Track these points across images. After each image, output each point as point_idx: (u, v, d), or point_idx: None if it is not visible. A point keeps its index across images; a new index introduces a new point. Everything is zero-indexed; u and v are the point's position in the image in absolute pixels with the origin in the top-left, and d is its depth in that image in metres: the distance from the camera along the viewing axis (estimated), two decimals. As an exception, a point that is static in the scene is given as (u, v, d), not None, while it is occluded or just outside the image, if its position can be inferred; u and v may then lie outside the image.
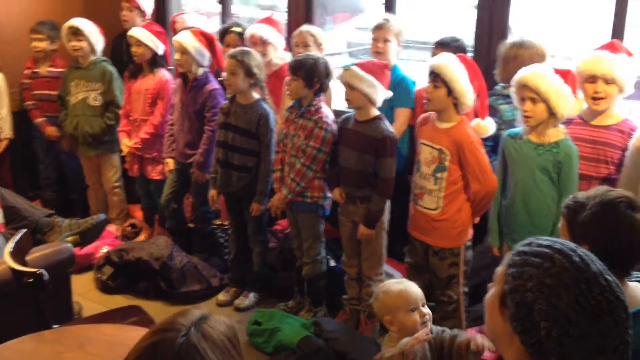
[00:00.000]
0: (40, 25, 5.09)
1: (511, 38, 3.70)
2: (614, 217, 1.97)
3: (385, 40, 4.00)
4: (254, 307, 4.19)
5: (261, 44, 4.42)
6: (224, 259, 4.63)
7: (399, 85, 3.99)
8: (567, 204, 2.10)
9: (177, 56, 4.38)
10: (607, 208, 1.99)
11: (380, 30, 4.01)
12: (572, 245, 1.40)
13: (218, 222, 4.92)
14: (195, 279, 4.36)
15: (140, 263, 4.33)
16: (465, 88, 3.22)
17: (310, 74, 3.64)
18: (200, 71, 4.40)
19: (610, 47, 3.21)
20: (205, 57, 4.38)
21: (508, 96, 3.62)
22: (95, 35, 4.93)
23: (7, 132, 5.18)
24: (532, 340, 1.35)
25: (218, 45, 4.49)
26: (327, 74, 3.70)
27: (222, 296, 4.31)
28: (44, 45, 5.12)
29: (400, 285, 2.77)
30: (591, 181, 3.22)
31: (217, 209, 4.73)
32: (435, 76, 3.25)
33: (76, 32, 4.87)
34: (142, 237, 5.06)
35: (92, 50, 4.96)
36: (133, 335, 2.44)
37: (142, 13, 5.17)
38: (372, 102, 3.51)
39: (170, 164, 4.62)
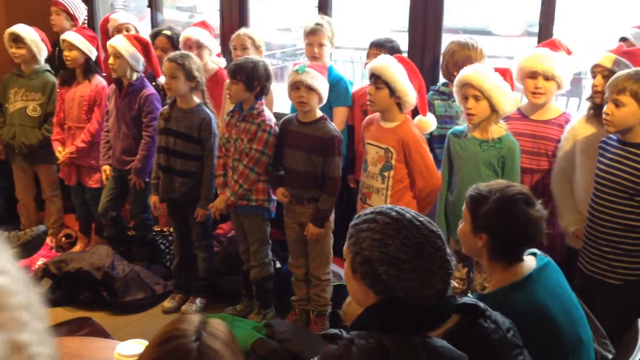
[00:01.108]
0: None
1: (457, 40, 3.83)
2: (512, 212, 2.16)
3: (321, 45, 4.05)
4: (202, 313, 4.16)
5: (196, 47, 4.40)
6: (167, 265, 4.59)
7: (336, 85, 4.06)
8: (470, 194, 2.29)
9: (110, 61, 4.29)
10: (506, 204, 2.17)
11: (315, 35, 4.05)
12: (388, 206, 1.76)
13: (158, 228, 4.85)
14: (139, 288, 4.29)
15: (81, 274, 4.21)
16: (407, 87, 3.31)
17: (251, 77, 3.64)
18: (135, 76, 4.34)
19: (551, 45, 3.37)
20: (140, 61, 4.32)
21: (443, 93, 3.77)
22: (36, 43, 4.76)
23: None
24: (380, 287, 1.65)
25: (153, 49, 4.43)
26: (268, 77, 3.71)
27: (167, 303, 4.26)
28: None
29: None
30: (533, 174, 3.37)
31: (159, 215, 4.66)
32: (376, 78, 3.33)
33: (16, 39, 4.71)
34: (77, 247, 4.94)
35: (34, 58, 4.80)
36: (96, 346, 2.42)
37: (71, 17, 5.02)
38: (322, 101, 3.57)
39: (108, 170, 4.53)
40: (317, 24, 4.05)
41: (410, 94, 3.31)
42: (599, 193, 2.95)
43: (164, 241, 4.71)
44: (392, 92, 3.30)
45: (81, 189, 4.83)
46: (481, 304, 1.84)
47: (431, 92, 3.84)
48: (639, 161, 2.82)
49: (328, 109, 4.05)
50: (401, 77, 3.29)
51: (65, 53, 4.56)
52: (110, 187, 4.55)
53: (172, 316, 4.16)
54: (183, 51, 4.05)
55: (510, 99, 3.23)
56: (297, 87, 3.52)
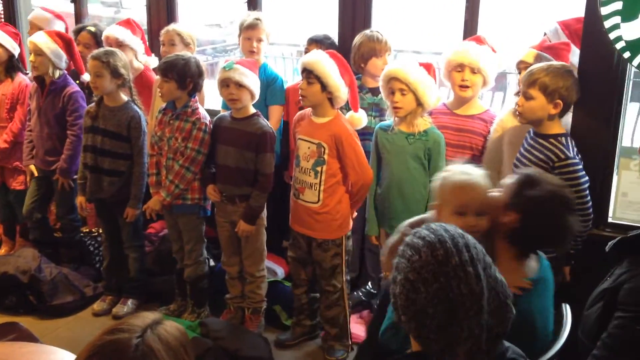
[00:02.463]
0: None
1: (364, 32, 3.88)
2: (557, 209, 2.12)
3: (259, 40, 4.04)
4: (135, 314, 4.07)
5: (117, 46, 4.29)
6: (96, 267, 4.49)
7: (272, 84, 4.07)
8: (528, 172, 2.25)
9: (32, 58, 4.16)
10: (555, 199, 2.13)
11: (254, 30, 4.03)
12: (445, 237, 1.49)
13: (86, 229, 4.74)
14: (68, 290, 4.18)
15: (6, 278, 4.08)
16: (338, 82, 3.35)
17: (183, 75, 3.60)
18: (58, 74, 4.22)
19: (477, 40, 3.46)
20: (62, 58, 4.21)
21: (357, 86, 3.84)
22: None
23: None
24: (404, 327, 1.50)
25: (75, 46, 4.32)
26: (200, 74, 3.67)
27: (97, 306, 4.17)
28: None
29: (466, 177, 2.34)
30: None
31: (86, 216, 4.55)
32: (308, 73, 3.35)
33: None
34: (2, 251, 4.78)
35: None
36: (26, 351, 2.35)
37: None
38: (254, 98, 3.56)
39: (34, 169, 4.39)
40: (257, 19, 4.04)
41: (341, 89, 3.34)
42: None
43: (93, 242, 4.61)
44: (324, 87, 3.32)
45: (3, 191, 4.67)
46: None
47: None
48: (542, 151, 2.93)
49: (264, 107, 4.05)
50: (333, 73, 3.32)
51: None
52: (35, 188, 4.43)
53: (103, 319, 4.08)
54: (108, 48, 3.95)
55: (434, 93, 3.32)
56: (227, 85, 3.50)
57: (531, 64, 3.30)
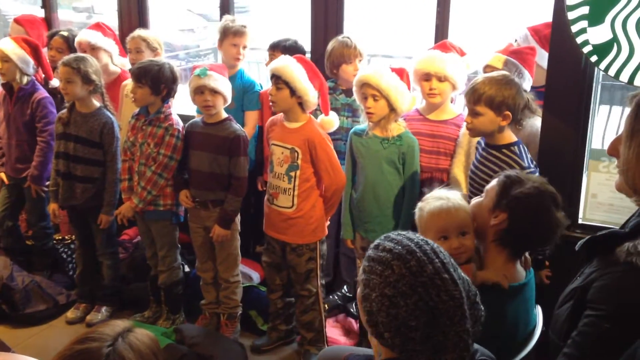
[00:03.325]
0: None
1: (336, 38, 3.90)
2: (542, 205, 2.14)
3: (244, 47, 4.04)
4: (107, 322, 4.04)
5: (90, 50, 4.28)
6: (70, 274, 4.45)
7: (249, 90, 4.08)
8: (507, 174, 2.25)
9: None
10: (541, 195, 2.15)
11: (241, 37, 4.03)
12: (413, 244, 1.48)
13: (58, 236, 4.70)
14: (40, 299, 4.14)
15: (-23, 287, 4.03)
16: (307, 86, 3.36)
17: (156, 81, 3.59)
18: (25, 80, 4.18)
19: (442, 47, 3.48)
20: (30, 64, 4.17)
21: (330, 88, 3.86)
22: None
23: None
24: (383, 343, 1.47)
25: (42, 51, 4.28)
26: (174, 79, 3.66)
27: (71, 314, 4.13)
28: None
29: (443, 203, 2.35)
30: (432, 172, 3.48)
31: (59, 223, 4.50)
32: (277, 78, 3.37)
33: None
34: (-27, 259, 4.69)
35: None
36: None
37: None
38: (226, 102, 3.56)
39: (4, 177, 4.33)
40: (243, 26, 4.03)
41: (310, 93, 3.35)
42: (470, 193, 3.07)
43: (66, 249, 4.56)
44: (293, 91, 3.33)
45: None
46: None
47: None
48: (497, 162, 2.94)
49: (240, 112, 4.05)
50: (301, 77, 3.33)
51: None
52: (5, 196, 4.38)
53: (76, 327, 4.05)
54: (79, 54, 3.92)
55: (407, 98, 3.34)
56: (202, 92, 3.49)
57: (496, 68, 3.35)
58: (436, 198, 2.37)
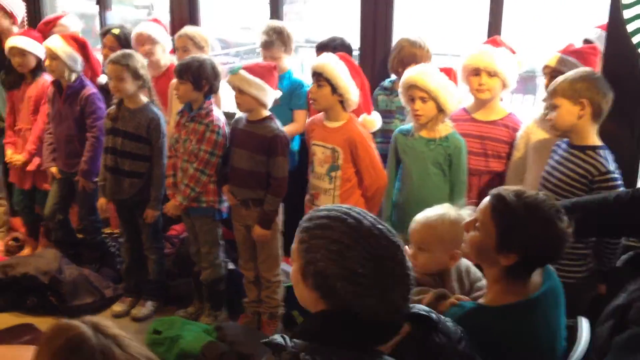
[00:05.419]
0: None
1: (407, 37, 3.82)
2: (552, 232, 1.93)
3: (275, 58, 4.01)
4: (152, 316, 4.09)
5: (150, 43, 4.33)
6: (117, 268, 4.50)
7: (295, 89, 4.04)
8: (493, 203, 1.99)
9: (47, 62, 4.18)
10: (547, 224, 1.94)
11: (268, 50, 4.02)
12: (343, 209, 1.60)
13: (108, 230, 4.77)
14: (88, 291, 4.21)
15: (27, 278, 4.12)
16: (348, 84, 3.30)
17: (198, 77, 3.59)
18: (74, 77, 4.23)
19: (493, 43, 3.38)
20: (78, 62, 4.22)
21: (387, 88, 3.78)
22: None
23: None
24: (334, 300, 1.53)
25: (90, 48, 4.33)
26: (216, 75, 3.66)
27: (117, 307, 4.18)
28: None
29: (423, 215, 2.39)
30: (481, 175, 3.38)
31: (106, 217, 4.57)
32: (318, 76, 3.32)
33: None
34: (26, 251, 4.82)
35: None
36: (29, 355, 2.35)
37: (11, 17, 4.88)
38: (261, 104, 3.51)
39: (55, 171, 4.42)
40: (267, 41, 4.01)
41: (351, 90, 3.30)
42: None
43: (114, 243, 4.63)
44: (334, 89, 3.27)
45: (28, 193, 4.71)
46: (433, 316, 1.71)
47: (378, 87, 3.88)
48: (579, 164, 2.83)
49: (288, 111, 4.02)
50: (342, 74, 3.27)
51: (17, 60, 4.42)
52: (57, 190, 4.45)
53: (122, 320, 4.10)
54: (125, 50, 3.96)
55: (456, 98, 3.24)
56: (232, 89, 3.49)
57: (554, 68, 3.22)
58: (428, 211, 2.41)
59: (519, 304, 1.94)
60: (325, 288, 1.54)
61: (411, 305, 1.67)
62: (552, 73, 3.21)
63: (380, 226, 1.56)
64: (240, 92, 3.46)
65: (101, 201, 4.10)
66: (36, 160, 4.57)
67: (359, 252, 1.51)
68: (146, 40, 4.33)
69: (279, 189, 3.54)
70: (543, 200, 1.96)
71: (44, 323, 3.76)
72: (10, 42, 4.42)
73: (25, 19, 5.05)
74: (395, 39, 3.93)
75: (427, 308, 1.77)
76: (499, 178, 3.40)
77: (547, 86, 3.23)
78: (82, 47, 4.24)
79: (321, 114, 3.44)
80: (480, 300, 2.05)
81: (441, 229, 2.31)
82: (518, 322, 1.94)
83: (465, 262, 2.41)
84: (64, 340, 1.44)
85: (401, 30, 4.03)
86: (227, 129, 3.70)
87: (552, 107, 2.88)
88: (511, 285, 1.97)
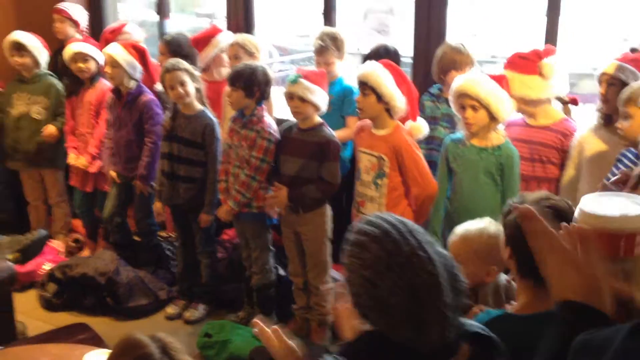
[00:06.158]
0: None
1: (449, 42, 3.79)
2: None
3: (328, 64, 4.02)
4: (204, 320, 4.14)
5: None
6: (172, 271, 4.58)
7: (346, 95, 4.04)
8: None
9: (107, 69, 4.30)
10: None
11: (321, 56, 4.04)
12: (388, 225, 1.49)
13: (164, 234, 4.86)
14: (143, 293, 4.30)
15: (85, 279, 4.24)
16: (393, 92, 3.29)
17: (250, 84, 3.63)
18: (132, 84, 4.34)
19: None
20: (137, 69, 4.32)
21: (433, 94, 3.74)
22: (38, 50, 4.81)
23: None
24: (371, 324, 1.49)
25: (150, 57, 4.43)
26: (267, 82, 3.69)
27: (170, 309, 4.26)
28: None
29: (461, 230, 2.39)
30: (529, 181, 3.31)
31: (162, 221, 4.66)
32: (364, 85, 3.32)
33: (19, 48, 4.76)
34: (85, 252, 4.96)
35: (36, 64, 4.85)
36: (80, 354, 2.42)
37: (75, 24, 5.05)
38: (318, 110, 3.54)
39: (114, 175, 4.54)
40: (322, 46, 4.03)
41: (397, 98, 3.28)
42: None
43: (170, 247, 4.71)
44: (380, 97, 3.26)
45: (88, 195, 4.85)
46: (494, 337, 1.59)
47: (425, 93, 3.87)
48: None
49: (339, 117, 4.03)
50: (387, 82, 3.26)
51: (80, 65, 4.57)
52: (115, 193, 4.56)
53: (175, 322, 4.17)
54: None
55: (508, 106, 3.18)
56: (291, 97, 3.51)
57: (611, 75, 3.14)
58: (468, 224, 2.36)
59: (542, 315, 1.85)
60: (360, 313, 1.50)
61: (467, 322, 1.58)
62: (609, 80, 3.13)
63: (421, 252, 1.45)
64: (302, 101, 3.49)
65: (157, 205, 4.19)
66: (97, 163, 4.69)
67: (391, 281, 1.44)
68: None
69: (327, 190, 3.57)
70: (544, 198, 1.91)
71: (100, 323, 3.88)
72: (73, 48, 4.57)
73: (86, 26, 5.19)
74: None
75: (484, 327, 1.65)
76: (547, 185, 3.32)
77: (603, 94, 3.15)
78: (141, 55, 4.34)
79: (369, 121, 3.43)
80: (509, 309, 2.01)
81: (477, 243, 2.26)
82: (541, 332, 1.88)
83: (504, 277, 2.37)
84: (131, 356, 1.51)
85: (455, 37, 3.98)
86: (277, 136, 3.72)
87: (624, 116, 2.80)
88: (536, 292, 1.89)
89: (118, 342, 1.58)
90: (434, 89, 3.88)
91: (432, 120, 3.75)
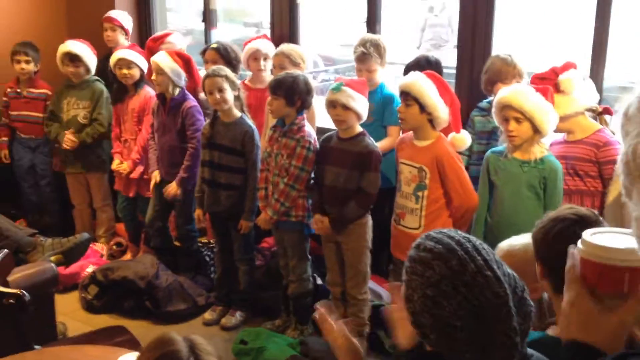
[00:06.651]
0: (23, 46, 5.09)
1: (497, 54, 3.74)
2: (560, 235, 1.84)
3: (370, 71, 4.01)
4: (241, 326, 4.15)
5: (263, 59, 4.48)
6: (210, 277, 4.62)
7: (387, 103, 4.02)
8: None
9: (153, 77, 4.36)
10: (554, 225, 1.87)
11: (363, 63, 4.02)
12: (453, 244, 1.42)
13: (204, 240, 4.90)
14: (181, 298, 4.33)
15: (126, 282, 4.29)
16: (437, 102, 3.26)
17: (291, 93, 3.65)
18: (177, 91, 4.38)
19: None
20: (182, 77, 4.37)
21: (483, 109, 3.69)
22: (90, 58, 4.94)
23: None
24: (429, 343, 1.44)
25: (195, 65, 4.48)
26: (308, 91, 3.70)
27: (208, 315, 4.28)
28: (30, 67, 5.12)
29: (504, 246, 2.36)
30: (572, 195, 3.25)
31: (202, 227, 4.70)
32: (406, 95, 3.30)
33: (73, 58, 4.88)
34: (127, 256, 5.03)
35: (87, 72, 4.98)
36: (116, 356, 2.44)
37: (125, 32, 5.16)
38: (361, 119, 3.54)
39: (157, 175, 4.58)
40: (364, 53, 4.01)
41: (440, 108, 3.25)
42: None
43: (209, 253, 4.74)
44: (422, 108, 3.24)
45: (131, 200, 4.92)
46: None
47: (475, 109, 3.82)
48: None
49: (380, 126, 4.01)
50: (430, 92, 3.24)
51: (125, 71, 4.66)
52: (157, 198, 4.62)
53: (212, 328, 4.19)
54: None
55: (552, 118, 3.13)
56: (334, 106, 3.51)
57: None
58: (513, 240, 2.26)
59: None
60: (420, 333, 1.44)
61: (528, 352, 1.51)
62: None
63: (488, 273, 1.38)
64: (344, 108, 3.49)
65: (198, 212, 4.23)
66: (139, 169, 4.77)
67: (457, 302, 1.37)
68: (261, 56, 4.48)
69: (365, 202, 3.55)
70: (568, 208, 1.87)
71: (138, 326, 3.93)
72: (118, 55, 4.67)
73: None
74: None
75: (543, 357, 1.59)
76: (591, 199, 3.24)
77: None
78: (186, 63, 4.39)
79: (411, 132, 3.40)
80: (549, 331, 1.95)
81: (522, 259, 2.20)
82: None
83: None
84: (159, 353, 1.53)
85: (500, 49, 3.93)
86: (317, 146, 3.73)
87: None
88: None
89: (152, 339, 1.60)
90: (483, 104, 3.82)
91: (483, 135, 3.71)
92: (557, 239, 1.81)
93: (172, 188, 4.35)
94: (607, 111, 3.40)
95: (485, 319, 1.36)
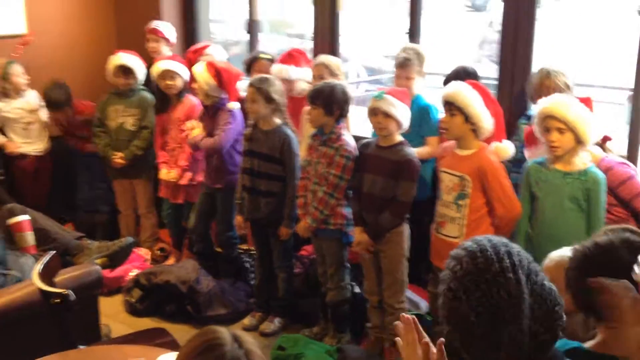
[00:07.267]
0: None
1: (543, 66, 3.72)
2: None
3: (408, 78, 4.03)
4: (279, 333, 4.19)
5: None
6: (250, 283, 4.66)
7: (425, 114, 4.02)
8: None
9: (195, 85, 4.46)
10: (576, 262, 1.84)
11: (403, 69, 4.04)
12: (487, 246, 1.48)
13: (245, 247, 4.95)
14: (222, 303, 4.39)
15: (168, 286, 4.37)
16: (481, 112, 3.26)
17: (329, 102, 3.69)
18: (213, 100, 4.44)
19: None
20: (215, 88, 4.39)
21: (529, 117, 3.69)
22: (141, 71, 5.06)
23: (40, 147, 5.33)
24: (446, 337, 1.50)
25: (227, 77, 4.46)
26: (346, 100, 3.74)
27: (247, 321, 4.33)
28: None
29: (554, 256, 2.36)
30: (610, 208, 3.21)
31: (243, 234, 4.76)
32: (450, 105, 3.30)
33: (125, 71, 5.01)
34: (170, 261, 5.10)
35: (136, 82, 5.10)
36: (155, 355, 2.50)
37: (169, 42, 5.27)
38: (401, 127, 3.56)
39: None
40: (406, 58, 4.03)
41: (484, 118, 3.25)
42: None
43: (250, 259, 4.79)
44: (467, 118, 3.24)
45: (175, 206, 4.99)
46: None
47: (522, 116, 3.84)
48: None
49: (418, 136, 4.02)
50: (475, 102, 3.24)
51: (169, 82, 4.76)
52: (200, 204, 4.70)
53: (251, 334, 4.19)
54: (263, 75, 4.14)
55: (595, 129, 3.09)
56: (375, 113, 3.54)
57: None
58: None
59: (607, 358, 1.77)
60: (442, 323, 1.52)
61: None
62: None
63: (510, 275, 1.43)
64: (386, 116, 3.52)
65: (239, 219, 4.29)
66: (187, 176, 4.84)
67: (476, 298, 1.43)
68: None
69: (400, 211, 3.57)
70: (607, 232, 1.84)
71: (179, 330, 3.97)
72: (161, 66, 4.76)
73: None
74: (535, 69, 3.83)
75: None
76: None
77: None
78: (217, 74, 4.38)
79: (452, 141, 3.41)
80: (588, 343, 1.92)
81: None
82: None
83: None
84: (203, 339, 1.60)
85: (541, 60, 3.92)
86: (355, 154, 3.75)
87: None
88: (616, 336, 1.78)
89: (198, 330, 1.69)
90: (531, 112, 3.80)
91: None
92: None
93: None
94: (607, 139, 3.38)
95: (498, 318, 1.41)
